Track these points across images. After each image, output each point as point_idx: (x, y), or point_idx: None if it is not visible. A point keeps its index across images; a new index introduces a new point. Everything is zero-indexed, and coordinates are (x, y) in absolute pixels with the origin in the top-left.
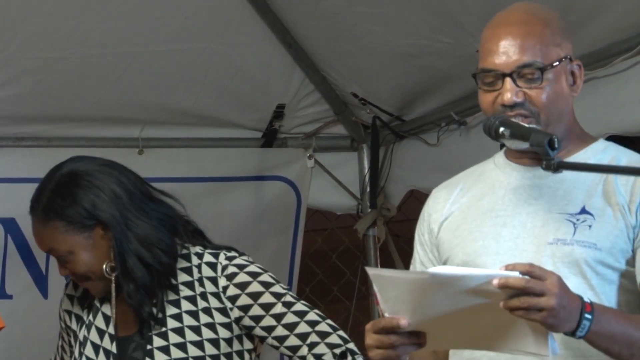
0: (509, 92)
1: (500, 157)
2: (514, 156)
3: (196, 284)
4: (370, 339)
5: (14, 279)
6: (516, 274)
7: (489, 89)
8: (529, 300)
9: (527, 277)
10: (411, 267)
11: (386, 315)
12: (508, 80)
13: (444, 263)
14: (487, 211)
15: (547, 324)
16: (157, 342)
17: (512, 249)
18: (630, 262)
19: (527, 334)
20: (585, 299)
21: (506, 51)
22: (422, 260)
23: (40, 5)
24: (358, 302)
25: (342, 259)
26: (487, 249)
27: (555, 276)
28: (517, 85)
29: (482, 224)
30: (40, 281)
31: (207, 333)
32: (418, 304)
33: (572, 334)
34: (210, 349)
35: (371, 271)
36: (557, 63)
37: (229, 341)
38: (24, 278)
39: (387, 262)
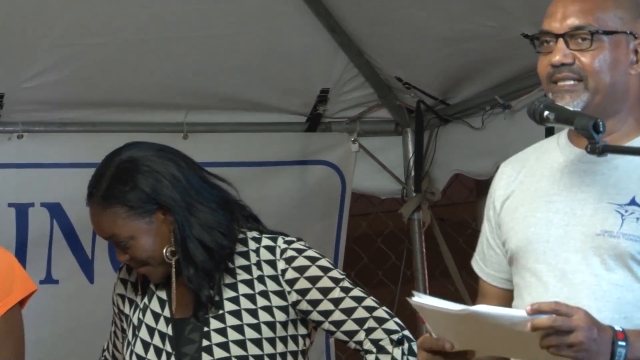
0: (558, 53)
1: (563, 136)
2: (575, 137)
3: (253, 267)
4: (421, 356)
5: (60, 264)
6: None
7: (545, 51)
8: (558, 338)
9: (553, 313)
10: (479, 239)
11: (433, 335)
12: (560, 41)
13: (503, 244)
14: (542, 195)
15: (580, 359)
16: (214, 324)
17: (561, 237)
18: None
19: None
20: (617, 328)
21: (563, 14)
22: (487, 235)
23: None
24: (403, 286)
25: (387, 243)
26: (539, 236)
27: (582, 311)
28: (569, 48)
29: (537, 208)
30: (86, 266)
31: (264, 316)
32: (461, 330)
33: None
34: (266, 332)
35: (413, 302)
36: (614, 33)
37: (284, 324)
38: (70, 263)
39: (432, 247)
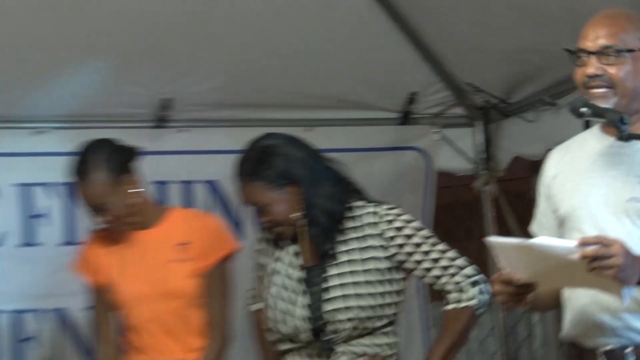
0: (591, 67)
1: (596, 129)
2: (606, 128)
3: (361, 228)
4: (495, 286)
5: None
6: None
7: (580, 64)
8: (601, 262)
9: (598, 245)
10: (535, 210)
11: (505, 271)
12: (592, 57)
13: (554, 212)
14: (583, 172)
15: (618, 279)
16: (333, 270)
17: (600, 204)
18: None
19: (609, 282)
20: None
21: (594, 36)
22: (541, 208)
23: (236, 18)
24: (476, 242)
25: (463, 210)
26: (581, 204)
27: (619, 242)
28: (599, 62)
29: (579, 183)
30: (237, 228)
31: (371, 264)
32: (526, 263)
33: (639, 284)
34: (373, 276)
35: (490, 241)
36: (634, 50)
37: (386, 271)
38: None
39: (498, 212)
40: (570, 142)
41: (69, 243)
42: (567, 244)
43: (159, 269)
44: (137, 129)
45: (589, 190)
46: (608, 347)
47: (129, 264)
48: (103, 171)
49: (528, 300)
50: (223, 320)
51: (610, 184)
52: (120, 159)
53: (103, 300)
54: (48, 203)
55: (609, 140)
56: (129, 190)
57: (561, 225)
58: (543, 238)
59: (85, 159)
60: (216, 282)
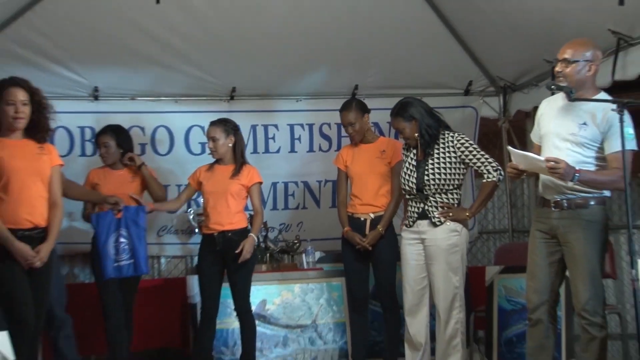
0: (558, 67)
1: (562, 95)
2: (566, 96)
3: (445, 143)
4: (508, 169)
5: None
6: (549, 162)
7: (555, 66)
8: (554, 170)
9: (553, 162)
10: (533, 129)
11: (513, 162)
12: (559, 63)
13: (540, 131)
14: (552, 115)
15: (561, 178)
16: (430, 162)
17: (558, 135)
18: (601, 144)
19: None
20: (577, 168)
21: (563, 52)
22: (535, 127)
23: (389, 39)
24: (497, 151)
25: (492, 135)
26: (549, 132)
27: (564, 161)
28: (562, 65)
29: (549, 121)
30: None
31: (448, 159)
32: (523, 160)
33: (571, 180)
34: (449, 165)
35: (509, 149)
36: (579, 60)
37: (455, 163)
38: None
39: (510, 138)
40: (550, 98)
41: (309, 151)
42: (541, 157)
43: (371, 160)
44: (340, 99)
45: (553, 125)
46: (556, 199)
47: (357, 157)
48: (354, 110)
49: (522, 177)
50: (397, 190)
51: (562, 124)
52: (362, 106)
53: (343, 177)
54: (301, 133)
55: (565, 101)
56: (364, 122)
57: (541, 140)
58: (531, 154)
59: (350, 104)
60: (395, 172)
